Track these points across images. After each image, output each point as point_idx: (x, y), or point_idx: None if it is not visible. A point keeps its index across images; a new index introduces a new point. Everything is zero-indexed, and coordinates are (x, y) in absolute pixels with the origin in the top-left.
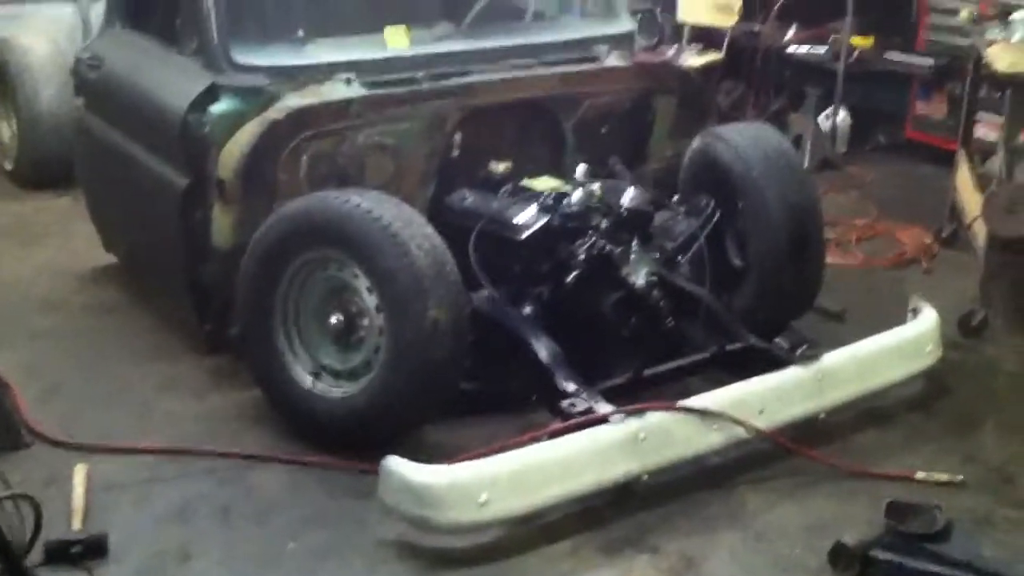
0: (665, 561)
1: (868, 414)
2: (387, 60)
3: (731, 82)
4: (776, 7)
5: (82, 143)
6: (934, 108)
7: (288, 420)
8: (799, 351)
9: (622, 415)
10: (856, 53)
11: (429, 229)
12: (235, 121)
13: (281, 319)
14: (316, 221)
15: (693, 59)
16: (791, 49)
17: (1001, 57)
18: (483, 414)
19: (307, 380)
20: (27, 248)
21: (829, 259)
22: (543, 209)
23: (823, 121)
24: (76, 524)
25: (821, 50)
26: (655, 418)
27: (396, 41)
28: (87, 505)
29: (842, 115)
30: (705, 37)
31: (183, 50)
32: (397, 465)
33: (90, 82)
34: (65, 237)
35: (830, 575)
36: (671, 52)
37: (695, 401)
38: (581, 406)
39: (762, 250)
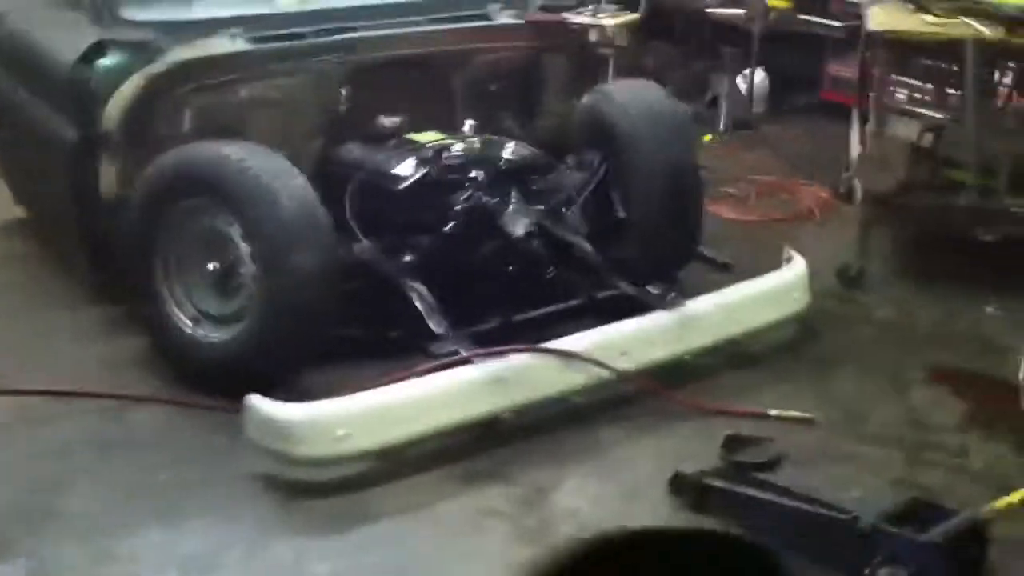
0: (518, 490)
1: (736, 357)
2: (275, 16)
3: (659, 43)
4: None
5: None
6: (847, 70)
7: (171, 364)
8: (668, 297)
9: (483, 356)
10: (773, 15)
11: (300, 179)
12: (121, 75)
13: (161, 267)
14: (189, 171)
15: (609, 19)
16: (710, 10)
17: (875, 16)
18: (367, 359)
19: (187, 325)
20: None
21: (728, 214)
22: (422, 161)
23: (741, 82)
24: None
25: (740, 12)
26: (516, 359)
27: None
28: None
29: (760, 76)
30: None
31: (75, 6)
32: (258, 403)
33: None
34: None
35: (671, 503)
36: (586, 12)
37: (557, 344)
38: (447, 348)
39: (641, 203)
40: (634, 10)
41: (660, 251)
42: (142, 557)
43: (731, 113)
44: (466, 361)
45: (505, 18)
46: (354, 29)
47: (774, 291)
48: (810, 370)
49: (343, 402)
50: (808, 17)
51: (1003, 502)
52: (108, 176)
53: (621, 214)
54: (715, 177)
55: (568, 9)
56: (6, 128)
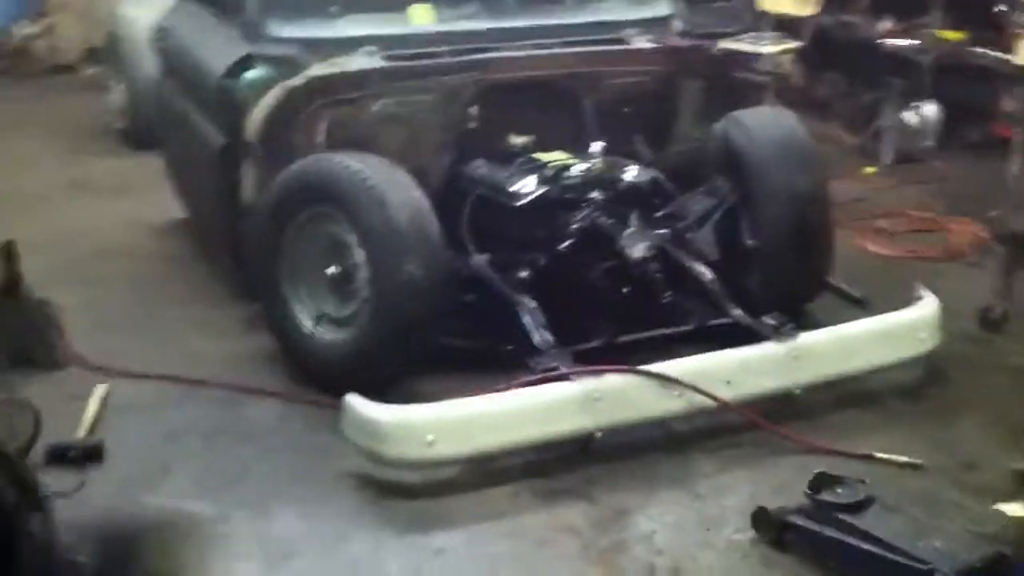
0: (597, 512)
1: (853, 396)
2: (412, 36)
3: (830, 72)
4: None
5: (158, 106)
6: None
7: (292, 362)
8: (780, 328)
9: (580, 374)
10: (945, 47)
11: (415, 191)
12: (265, 88)
13: (288, 269)
14: (312, 180)
15: (767, 47)
16: (882, 41)
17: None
18: (479, 370)
19: (308, 325)
20: (116, 201)
21: (876, 249)
22: (543, 180)
23: (910, 115)
24: (80, 433)
25: (911, 42)
26: (613, 379)
27: (420, 18)
28: (97, 420)
29: (932, 109)
30: (790, 26)
31: (230, 21)
32: (355, 402)
33: (162, 50)
34: (154, 193)
35: (750, 536)
36: (745, 39)
37: (658, 367)
38: (546, 364)
39: (768, 233)
40: (798, 39)
41: (785, 282)
42: (231, 540)
43: (896, 146)
44: (563, 377)
45: (641, 42)
46: (487, 50)
47: (898, 329)
48: (929, 415)
49: (434, 408)
50: (980, 50)
51: None
52: (248, 182)
53: (749, 243)
54: (869, 210)
55: (721, 36)
56: (172, 134)
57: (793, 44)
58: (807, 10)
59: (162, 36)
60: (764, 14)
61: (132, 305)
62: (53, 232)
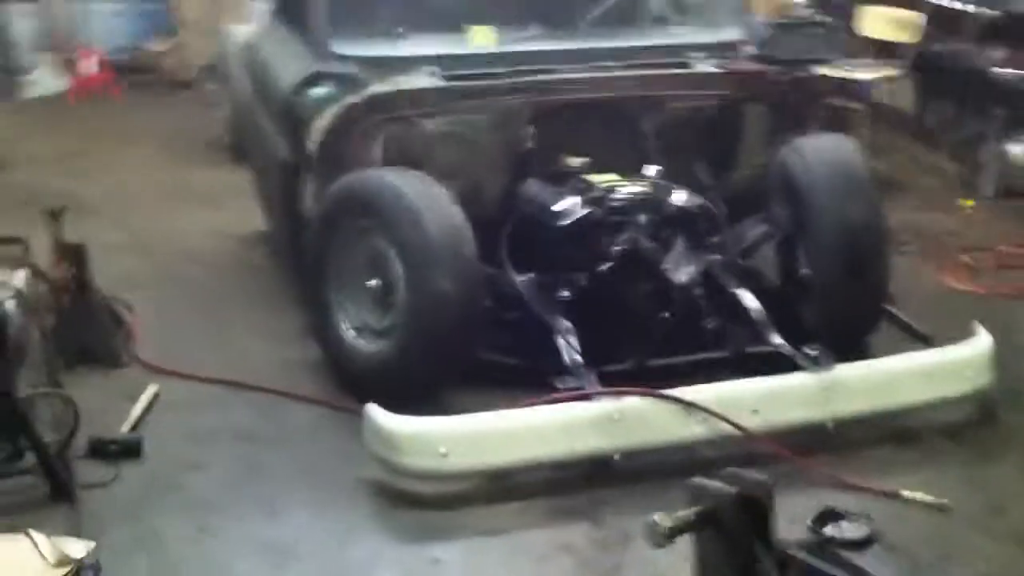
0: (601, 533)
1: (891, 431)
2: (473, 56)
3: (942, 102)
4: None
5: (247, 121)
6: None
7: (333, 370)
8: (819, 359)
9: (600, 394)
10: None
11: (452, 209)
12: (328, 104)
13: (335, 280)
14: (356, 194)
15: (862, 73)
16: (991, 70)
17: None
18: (518, 386)
19: (350, 335)
20: (208, 211)
21: (955, 284)
22: (588, 201)
23: (1013, 147)
24: (124, 429)
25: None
26: (632, 401)
27: (481, 39)
28: (143, 418)
29: None
30: (891, 51)
31: (304, 40)
32: (374, 412)
33: (248, 67)
34: (244, 204)
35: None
36: (846, 65)
37: (683, 392)
38: (570, 383)
39: (821, 264)
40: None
41: (838, 312)
42: (233, 537)
43: (998, 178)
44: (584, 397)
45: (705, 66)
46: (546, 71)
47: (942, 366)
48: (969, 455)
49: (448, 421)
50: None
51: None
52: (308, 194)
53: (804, 272)
54: (958, 244)
55: (808, 63)
56: (254, 147)
57: (890, 71)
58: (908, 37)
59: (249, 53)
60: (865, 40)
61: (199, 309)
62: (142, 236)
